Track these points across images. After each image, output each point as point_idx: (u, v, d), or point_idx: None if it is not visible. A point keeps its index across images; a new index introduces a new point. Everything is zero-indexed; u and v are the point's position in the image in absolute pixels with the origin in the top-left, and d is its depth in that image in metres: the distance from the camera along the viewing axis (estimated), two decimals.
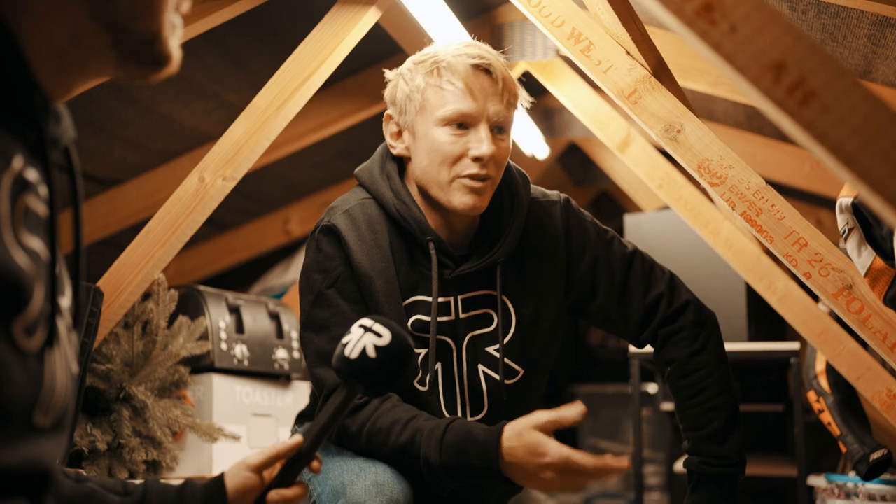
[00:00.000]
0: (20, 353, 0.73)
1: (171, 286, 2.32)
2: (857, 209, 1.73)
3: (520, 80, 1.96)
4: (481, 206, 1.56)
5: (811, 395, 2.52)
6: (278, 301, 2.83)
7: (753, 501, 3.67)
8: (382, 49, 2.76)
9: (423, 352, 1.57)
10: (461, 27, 2.41)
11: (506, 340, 1.61)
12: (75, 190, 0.85)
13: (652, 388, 4.23)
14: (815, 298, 2.43)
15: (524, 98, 1.61)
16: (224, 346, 2.47)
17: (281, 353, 2.65)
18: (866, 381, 2.26)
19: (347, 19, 2.07)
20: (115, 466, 2.14)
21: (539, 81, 3.03)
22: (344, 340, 1.17)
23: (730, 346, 2.86)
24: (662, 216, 3.23)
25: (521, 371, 1.63)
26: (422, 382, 1.58)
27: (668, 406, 3.64)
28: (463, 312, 1.61)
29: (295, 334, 2.71)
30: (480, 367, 1.61)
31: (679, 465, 1.72)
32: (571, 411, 1.36)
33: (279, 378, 2.67)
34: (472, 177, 1.53)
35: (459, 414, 1.60)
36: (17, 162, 0.75)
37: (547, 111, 3.92)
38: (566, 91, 2.97)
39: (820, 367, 2.51)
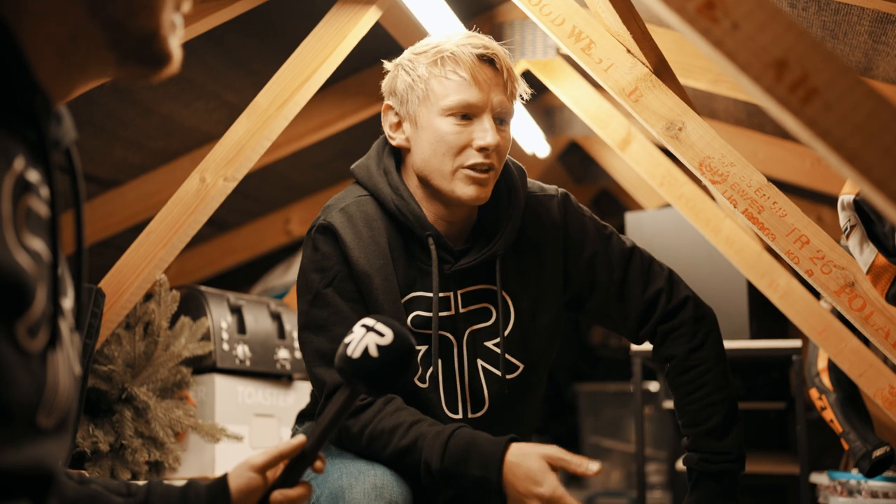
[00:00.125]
0: (23, 354, 0.73)
1: (172, 287, 2.32)
2: (859, 206, 1.73)
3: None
4: (485, 196, 1.55)
5: (813, 393, 2.52)
6: (280, 301, 2.84)
7: (755, 499, 3.67)
8: (383, 48, 2.75)
9: (422, 348, 1.56)
10: (462, 26, 2.41)
11: (505, 334, 1.61)
12: (77, 191, 0.85)
13: (654, 386, 4.23)
14: (817, 296, 2.43)
15: (524, 90, 1.61)
16: (226, 347, 2.47)
17: (283, 354, 2.65)
18: (868, 378, 2.26)
19: (348, 19, 2.07)
20: (117, 467, 2.14)
21: (540, 80, 3.02)
22: (346, 340, 1.17)
23: (731, 344, 2.88)
24: (663, 214, 3.23)
25: (521, 366, 1.62)
26: (422, 379, 1.57)
27: (670, 404, 3.64)
28: (462, 307, 1.60)
29: (297, 334, 2.71)
30: (480, 363, 1.60)
31: (681, 464, 1.71)
32: (584, 464, 1.34)
33: (281, 378, 2.67)
34: (475, 167, 1.52)
35: (460, 411, 1.59)
36: (19, 163, 0.75)
37: (547, 110, 3.92)
38: (567, 89, 2.97)
39: (822, 364, 2.50)
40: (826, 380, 2.48)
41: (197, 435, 2.33)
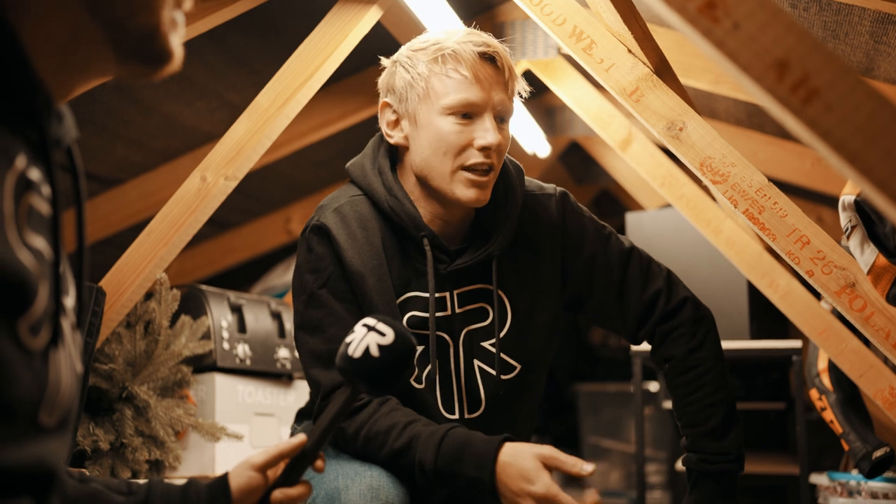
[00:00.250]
0: (25, 352, 0.73)
1: (172, 286, 2.32)
2: (860, 207, 1.73)
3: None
4: (485, 199, 1.54)
5: (813, 393, 2.52)
6: (280, 300, 2.84)
7: (755, 499, 3.67)
8: (384, 48, 2.75)
9: (419, 349, 1.54)
10: (463, 25, 2.40)
11: (502, 335, 1.59)
12: (78, 189, 0.85)
13: (654, 386, 4.23)
14: (818, 296, 2.43)
15: (523, 88, 1.60)
16: (226, 346, 2.47)
17: (283, 353, 2.65)
18: (868, 378, 2.26)
19: (349, 18, 2.07)
20: (117, 466, 2.14)
21: (540, 80, 3.02)
22: (347, 339, 1.17)
23: (732, 344, 2.88)
24: (664, 214, 3.23)
25: (518, 367, 1.61)
26: (418, 380, 1.56)
27: (669, 404, 3.64)
28: (459, 307, 1.59)
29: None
30: (476, 363, 1.60)
31: (680, 464, 1.71)
32: (578, 464, 1.34)
33: (281, 377, 2.67)
34: (475, 167, 1.51)
35: (457, 411, 1.58)
36: (20, 161, 0.76)
37: (548, 109, 3.92)
38: (567, 89, 2.97)
39: (822, 364, 2.50)
40: (826, 380, 2.48)
41: (197, 434, 2.33)
